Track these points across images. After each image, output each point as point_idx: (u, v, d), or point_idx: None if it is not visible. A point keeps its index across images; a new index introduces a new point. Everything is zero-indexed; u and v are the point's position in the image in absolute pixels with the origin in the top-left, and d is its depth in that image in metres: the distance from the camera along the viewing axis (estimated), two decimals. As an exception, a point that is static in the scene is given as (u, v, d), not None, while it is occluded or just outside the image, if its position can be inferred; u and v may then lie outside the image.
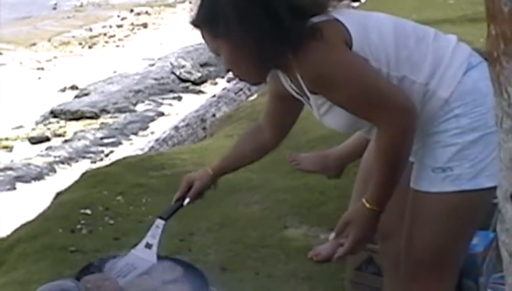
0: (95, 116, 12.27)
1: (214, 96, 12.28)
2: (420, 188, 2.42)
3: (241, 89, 12.39)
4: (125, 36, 19.17)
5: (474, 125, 2.31)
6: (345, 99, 2.28)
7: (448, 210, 2.38)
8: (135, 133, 11.57)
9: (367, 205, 2.32)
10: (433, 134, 2.36)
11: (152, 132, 11.45)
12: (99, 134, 11.40)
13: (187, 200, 2.95)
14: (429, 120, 2.35)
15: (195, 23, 2.48)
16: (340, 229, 2.40)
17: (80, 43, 18.40)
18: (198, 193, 2.95)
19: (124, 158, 6.65)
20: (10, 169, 9.91)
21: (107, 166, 6.44)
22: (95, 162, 10.29)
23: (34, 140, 11.29)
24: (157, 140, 10.34)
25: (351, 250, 2.39)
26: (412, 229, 2.47)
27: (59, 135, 11.56)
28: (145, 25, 20.52)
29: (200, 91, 13.71)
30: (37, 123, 12.20)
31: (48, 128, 11.88)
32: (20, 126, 12.00)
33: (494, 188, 2.35)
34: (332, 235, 2.46)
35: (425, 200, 2.41)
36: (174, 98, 13.32)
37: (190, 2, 24.19)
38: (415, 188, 2.45)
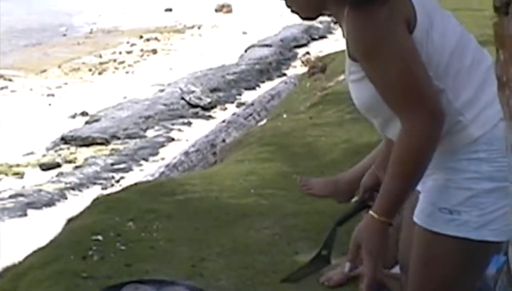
0: (105, 142, 12.32)
1: (223, 121, 12.32)
2: (421, 224, 2.28)
3: (250, 115, 12.44)
4: (135, 62, 19.28)
5: (493, 175, 2.18)
6: (382, 81, 2.14)
7: (444, 253, 2.28)
8: (146, 159, 11.61)
9: (376, 216, 2.18)
10: (449, 169, 2.25)
11: (163, 158, 11.48)
12: (109, 161, 11.44)
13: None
14: (450, 151, 2.22)
15: None
16: (354, 253, 2.26)
17: (90, 70, 18.51)
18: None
19: (135, 184, 6.67)
20: (22, 195, 9.94)
21: (118, 192, 6.45)
22: (105, 188, 10.32)
23: (45, 167, 11.34)
24: (167, 166, 10.36)
25: (373, 274, 2.22)
26: (412, 264, 2.36)
27: (70, 161, 11.60)
28: (154, 51, 20.63)
29: (210, 117, 13.76)
30: (48, 149, 12.26)
31: (59, 155, 11.93)
32: (31, 153, 12.05)
33: (497, 243, 2.21)
34: (347, 266, 2.31)
35: (424, 237, 2.30)
36: (184, 123, 13.37)
37: (198, 28, 24.32)
38: (417, 222, 2.33)
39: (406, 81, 2.12)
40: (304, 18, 2.40)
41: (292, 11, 2.36)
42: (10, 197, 9.93)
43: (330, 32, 23.09)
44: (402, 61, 2.11)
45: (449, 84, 2.19)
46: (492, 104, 2.14)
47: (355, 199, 2.99)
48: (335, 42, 20.71)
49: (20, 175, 11.07)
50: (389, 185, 2.17)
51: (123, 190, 6.38)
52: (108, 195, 6.64)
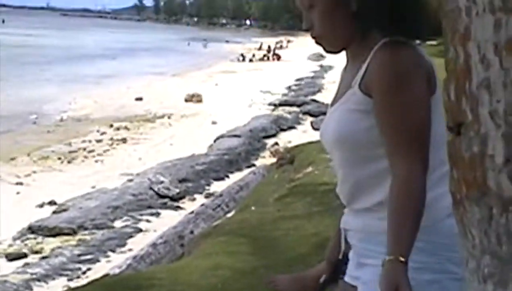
0: (72, 232, 12.24)
1: (192, 212, 12.32)
2: None
3: (219, 206, 12.45)
4: (104, 151, 19.30)
5: (435, 267, 2.22)
6: (395, 118, 2.16)
7: None
8: (113, 251, 11.52)
9: (393, 257, 2.05)
10: None
11: (130, 249, 11.40)
12: (76, 251, 11.34)
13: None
14: None
15: None
16: None
17: (60, 158, 18.49)
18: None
19: (102, 277, 6.64)
20: (-14, 286, 9.81)
21: (83, 286, 6.42)
22: (72, 280, 10.20)
23: (11, 257, 11.23)
24: (134, 258, 10.29)
25: None
26: None
27: (36, 252, 11.49)
28: (124, 140, 20.69)
29: (178, 207, 13.75)
30: (14, 239, 12.14)
31: (26, 245, 11.82)
32: (-3, 243, 11.94)
33: None
34: None
35: None
36: (152, 214, 13.34)
37: (169, 117, 24.48)
38: None
39: (416, 126, 2.15)
40: (327, 51, 2.42)
41: (317, 42, 2.39)
42: (-26, 288, 9.80)
43: (299, 123, 23.38)
44: (419, 105, 2.16)
45: None
46: (443, 199, 2.19)
47: (323, 278, 2.95)
48: (303, 133, 20.97)
49: (-15, 265, 10.94)
50: (398, 228, 2.10)
51: (88, 284, 6.35)
52: (74, 289, 6.60)
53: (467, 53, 1.37)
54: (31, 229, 12.40)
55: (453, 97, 1.41)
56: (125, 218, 13.07)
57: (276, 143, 19.56)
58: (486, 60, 1.33)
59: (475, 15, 1.35)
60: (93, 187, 15.18)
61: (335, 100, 2.36)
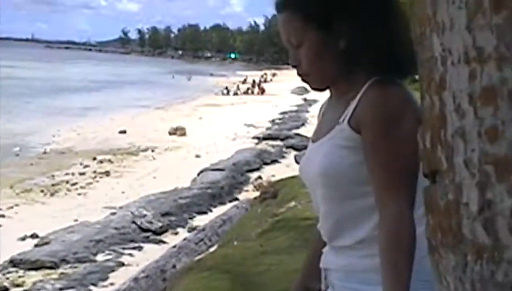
0: (54, 266, 12.16)
1: (174, 246, 12.29)
2: None
3: (201, 240, 12.43)
4: (87, 184, 19.23)
5: None
6: (387, 155, 2.15)
7: None
8: (95, 284, 11.44)
9: None
10: None
11: (112, 283, 11.34)
12: (58, 285, 11.26)
13: None
14: (376, 271, 2.15)
15: (287, 3, 2.29)
16: None
17: (42, 191, 18.42)
18: None
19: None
20: (-34, 321, 9.73)
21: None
22: (52, 314, 10.15)
23: (-8, 291, 11.15)
24: (116, 292, 10.26)
25: None
26: None
27: (18, 285, 11.41)
28: (107, 173, 20.64)
29: (161, 241, 13.71)
30: (-5, 273, 12.06)
31: (7, 278, 11.73)
32: (-22, 277, 11.85)
33: None
34: None
35: None
36: (134, 248, 13.29)
37: (152, 151, 24.46)
38: None
39: (406, 166, 2.12)
40: (313, 88, 2.40)
41: (303, 80, 2.36)
42: (-46, 322, 9.71)
43: (282, 157, 23.41)
44: (409, 144, 2.07)
45: None
46: (424, 236, 2.19)
47: None
48: (287, 167, 20.99)
49: (-35, 300, 10.86)
50: (393, 268, 2.09)
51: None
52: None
53: (442, 102, 1.39)
54: (13, 262, 12.30)
55: (429, 145, 1.44)
56: (107, 251, 13.00)
57: (260, 177, 19.57)
58: (461, 109, 1.35)
59: (450, 64, 1.38)
60: (76, 220, 15.11)
61: (316, 136, 2.36)
